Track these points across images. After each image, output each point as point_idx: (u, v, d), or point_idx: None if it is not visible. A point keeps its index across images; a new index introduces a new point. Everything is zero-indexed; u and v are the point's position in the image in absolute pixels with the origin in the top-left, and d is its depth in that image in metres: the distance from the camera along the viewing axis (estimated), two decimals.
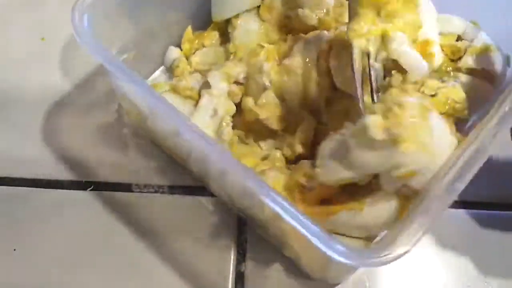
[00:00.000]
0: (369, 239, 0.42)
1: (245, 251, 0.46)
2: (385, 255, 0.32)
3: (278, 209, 0.33)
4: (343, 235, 0.41)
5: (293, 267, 0.45)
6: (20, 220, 0.47)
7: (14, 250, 0.46)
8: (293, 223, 0.33)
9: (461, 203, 0.49)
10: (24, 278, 0.45)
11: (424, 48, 0.44)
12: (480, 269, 0.46)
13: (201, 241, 0.46)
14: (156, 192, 0.49)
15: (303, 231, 0.33)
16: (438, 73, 0.47)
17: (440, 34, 0.49)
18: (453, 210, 0.49)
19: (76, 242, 0.46)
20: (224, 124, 0.46)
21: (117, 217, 0.47)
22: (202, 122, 0.46)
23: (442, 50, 0.48)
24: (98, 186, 0.49)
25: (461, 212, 0.49)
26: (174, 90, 0.49)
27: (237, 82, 0.48)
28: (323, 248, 0.32)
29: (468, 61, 0.48)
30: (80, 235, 0.47)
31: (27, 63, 0.55)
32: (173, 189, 0.48)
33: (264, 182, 0.35)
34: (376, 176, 0.39)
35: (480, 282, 0.46)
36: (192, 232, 0.47)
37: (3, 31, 0.56)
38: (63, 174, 0.49)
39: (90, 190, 0.49)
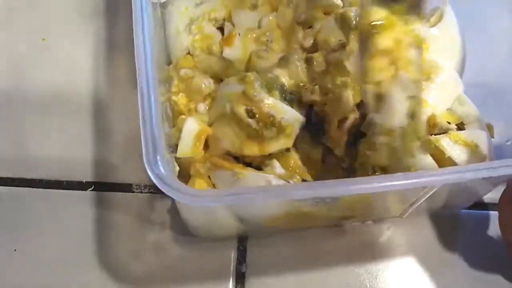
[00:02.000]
0: None
1: (245, 250, 0.46)
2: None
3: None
4: None
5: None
6: (20, 221, 0.47)
7: (15, 250, 0.46)
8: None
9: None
10: (24, 278, 0.45)
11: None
12: (482, 270, 0.47)
13: (202, 240, 0.46)
14: (156, 192, 0.49)
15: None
16: None
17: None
18: (455, 211, 0.49)
19: (77, 243, 0.46)
20: (202, 17, 0.48)
21: (118, 217, 0.47)
22: (186, 5, 0.49)
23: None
24: (99, 187, 0.49)
25: (461, 212, 0.49)
26: None
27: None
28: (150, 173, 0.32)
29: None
30: (80, 236, 0.47)
31: (27, 63, 0.54)
32: None
33: None
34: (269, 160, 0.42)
35: (481, 282, 0.46)
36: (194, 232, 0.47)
37: (3, 32, 0.56)
38: (63, 174, 0.49)
39: (91, 190, 0.49)
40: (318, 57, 0.45)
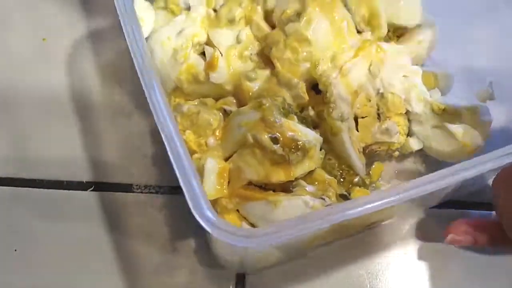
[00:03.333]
0: None
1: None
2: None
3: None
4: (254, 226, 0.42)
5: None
6: (20, 221, 0.47)
7: (15, 250, 0.46)
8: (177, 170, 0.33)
9: (460, 204, 0.49)
10: (24, 278, 0.45)
11: None
12: (481, 270, 0.47)
13: (203, 240, 0.46)
14: (156, 192, 0.49)
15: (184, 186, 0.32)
16: None
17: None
18: (453, 210, 0.49)
19: (77, 243, 0.46)
20: (185, 45, 0.47)
21: (118, 218, 0.47)
22: (167, 35, 0.48)
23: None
24: (99, 187, 0.49)
25: (461, 212, 0.49)
26: (166, 6, 0.50)
27: (215, 12, 0.49)
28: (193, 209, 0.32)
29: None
30: (81, 236, 0.47)
31: (28, 63, 0.54)
32: (174, 190, 0.48)
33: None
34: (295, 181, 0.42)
35: (481, 283, 0.46)
36: (194, 232, 0.47)
37: (4, 32, 0.56)
38: (63, 174, 0.49)
39: (91, 190, 0.49)
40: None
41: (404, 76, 0.46)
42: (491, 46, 0.50)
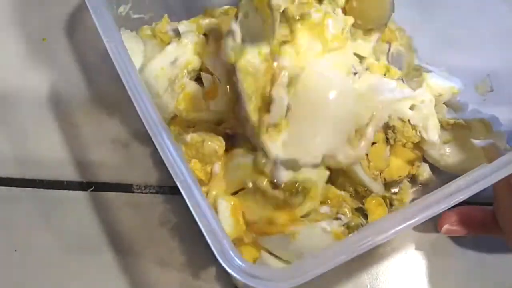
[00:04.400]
0: None
1: None
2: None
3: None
4: (275, 256, 0.42)
5: None
6: (21, 221, 0.47)
7: (15, 250, 0.46)
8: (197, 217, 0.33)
9: (461, 204, 0.49)
10: (25, 278, 0.45)
11: None
12: (482, 270, 0.47)
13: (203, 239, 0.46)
14: (157, 192, 0.49)
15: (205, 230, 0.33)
16: None
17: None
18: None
19: (78, 243, 0.46)
20: (180, 74, 0.46)
21: (118, 218, 0.47)
22: (161, 65, 0.47)
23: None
24: (99, 187, 0.49)
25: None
26: (154, 34, 0.49)
27: (206, 35, 0.48)
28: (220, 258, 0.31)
29: None
30: (81, 236, 0.47)
31: (28, 63, 0.54)
32: (174, 190, 0.49)
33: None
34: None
35: (481, 283, 0.46)
36: (195, 232, 0.47)
37: (3, 32, 0.56)
38: (63, 174, 0.49)
39: (91, 190, 0.49)
40: None
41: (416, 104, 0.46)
42: (491, 46, 0.50)
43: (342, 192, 0.44)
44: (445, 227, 0.45)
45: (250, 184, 0.42)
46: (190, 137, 0.44)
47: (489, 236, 0.46)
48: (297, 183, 0.41)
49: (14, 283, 0.45)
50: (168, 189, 0.49)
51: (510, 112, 0.46)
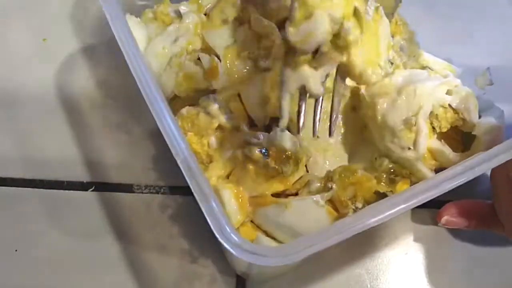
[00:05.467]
0: None
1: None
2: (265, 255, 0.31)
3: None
4: (271, 237, 0.43)
5: None
6: (21, 221, 0.47)
7: (16, 251, 0.46)
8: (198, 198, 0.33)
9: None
10: (25, 278, 0.45)
11: None
12: (482, 271, 0.47)
13: (204, 239, 0.46)
14: (157, 192, 0.49)
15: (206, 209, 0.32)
16: None
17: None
18: None
19: (78, 243, 0.46)
20: (180, 52, 0.47)
21: (118, 218, 0.47)
22: (162, 45, 0.47)
23: None
24: (99, 187, 0.49)
25: None
26: (155, 17, 0.50)
27: (207, 15, 0.48)
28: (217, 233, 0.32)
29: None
30: (81, 236, 0.47)
31: (28, 64, 0.54)
32: (174, 190, 0.49)
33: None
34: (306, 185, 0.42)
35: (482, 283, 0.46)
36: (195, 232, 0.47)
37: (4, 32, 0.56)
38: (64, 174, 0.49)
39: (92, 191, 0.49)
40: None
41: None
42: (493, 45, 0.50)
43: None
44: (445, 217, 0.45)
45: (240, 155, 0.42)
46: (185, 110, 0.45)
47: (489, 230, 0.45)
48: (287, 152, 0.42)
49: (15, 283, 0.45)
50: (169, 188, 0.49)
51: (509, 105, 0.46)
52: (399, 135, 0.43)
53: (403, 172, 0.44)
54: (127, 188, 0.49)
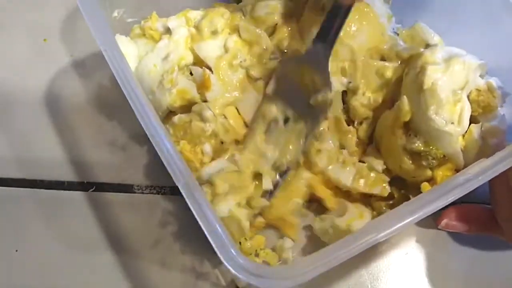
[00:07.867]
0: None
1: None
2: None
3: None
4: None
5: None
6: (21, 221, 0.47)
7: (16, 251, 0.46)
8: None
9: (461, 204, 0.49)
10: (25, 279, 0.45)
11: None
12: (482, 271, 0.47)
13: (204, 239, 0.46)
14: (157, 193, 0.49)
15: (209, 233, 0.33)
16: None
17: None
18: None
19: (78, 243, 0.46)
20: (171, 69, 0.46)
21: (119, 218, 0.47)
22: (153, 62, 0.47)
23: None
24: (100, 187, 0.49)
25: None
26: (143, 33, 0.49)
27: (196, 27, 0.48)
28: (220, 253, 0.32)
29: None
30: (82, 236, 0.47)
31: (29, 64, 0.54)
32: (174, 190, 0.49)
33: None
34: None
35: (482, 283, 0.46)
36: (195, 232, 0.47)
37: (4, 32, 0.56)
38: (64, 175, 0.49)
39: (92, 191, 0.49)
40: None
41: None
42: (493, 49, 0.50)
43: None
44: (444, 221, 0.46)
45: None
46: (177, 118, 0.44)
47: (488, 235, 0.45)
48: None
49: (15, 283, 0.45)
50: (169, 189, 0.49)
51: (510, 107, 0.46)
52: (446, 107, 0.42)
53: (438, 153, 0.43)
54: (128, 188, 0.49)
